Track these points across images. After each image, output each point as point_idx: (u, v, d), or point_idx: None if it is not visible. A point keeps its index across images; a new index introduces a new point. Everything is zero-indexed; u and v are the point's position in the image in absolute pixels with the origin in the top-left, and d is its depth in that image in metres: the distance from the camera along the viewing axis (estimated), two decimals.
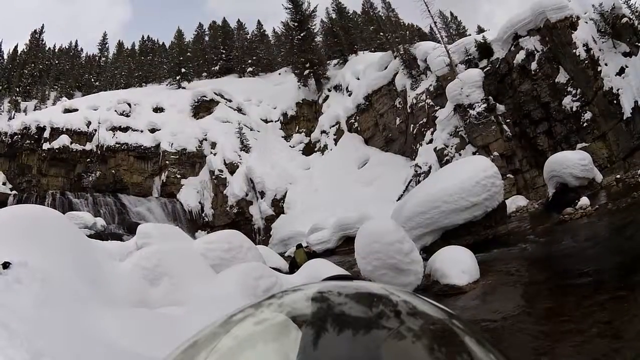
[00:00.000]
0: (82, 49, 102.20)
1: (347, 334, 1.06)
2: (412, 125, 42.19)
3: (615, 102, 26.39)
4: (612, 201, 17.18)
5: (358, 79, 55.09)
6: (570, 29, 29.30)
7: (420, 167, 36.73)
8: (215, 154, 52.74)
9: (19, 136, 50.62)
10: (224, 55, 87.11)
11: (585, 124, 28.30)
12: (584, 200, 17.51)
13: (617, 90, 26.32)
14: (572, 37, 28.95)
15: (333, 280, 1.52)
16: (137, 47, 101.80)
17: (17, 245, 6.35)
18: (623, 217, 14.07)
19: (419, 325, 1.09)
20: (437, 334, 1.08)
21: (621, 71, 26.63)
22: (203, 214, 51.13)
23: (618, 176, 22.55)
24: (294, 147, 58.67)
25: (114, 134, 54.25)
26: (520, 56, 32.28)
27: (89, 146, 52.59)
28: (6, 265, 5.58)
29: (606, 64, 27.39)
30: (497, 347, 1.04)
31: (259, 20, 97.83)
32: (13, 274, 5.57)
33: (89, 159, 51.97)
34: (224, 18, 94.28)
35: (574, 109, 28.82)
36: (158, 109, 60.12)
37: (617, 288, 7.70)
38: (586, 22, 28.85)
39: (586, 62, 28.15)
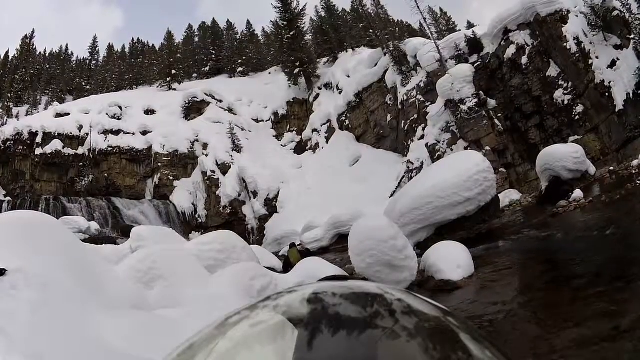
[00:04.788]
0: (72, 53, 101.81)
1: (342, 334, 1.06)
2: (403, 121, 42.20)
3: (607, 94, 26.43)
4: (606, 193, 17.23)
5: (348, 76, 55.04)
6: (561, 23, 29.35)
7: (413, 163, 36.74)
8: (207, 155, 52.64)
9: (12, 142, 50.33)
10: (214, 56, 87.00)
11: (577, 117, 28.39)
12: (578, 193, 17.60)
13: (609, 82, 26.36)
14: (562, 31, 29.00)
15: (329, 280, 1.53)
16: (127, 50, 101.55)
17: (12, 252, 6.34)
18: (617, 208, 14.12)
19: (413, 323, 1.10)
20: (432, 331, 1.09)
21: (612, 64, 26.67)
22: (196, 216, 51.02)
23: (611, 168, 22.56)
24: (285, 146, 58.68)
25: (106, 137, 54.04)
26: (511, 51, 32.36)
27: (81, 150, 52.43)
28: (2, 272, 5.57)
29: (597, 57, 27.42)
30: (493, 343, 1.05)
31: (248, 20, 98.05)
32: (9, 280, 5.56)
33: (81, 163, 51.85)
34: (214, 19, 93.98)
35: (566, 102, 28.90)
36: (149, 111, 59.89)
37: (613, 280, 7.71)
38: (576, 16, 28.86)
39: (577, 55, 28.20)
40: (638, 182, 16.80)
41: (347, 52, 62.93)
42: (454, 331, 1.08)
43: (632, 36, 25.67)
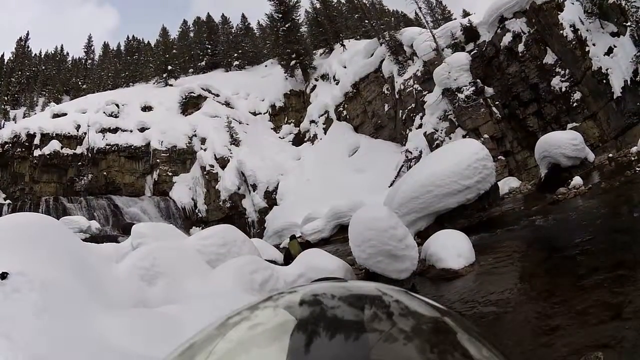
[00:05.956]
0: (67, 53, 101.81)
1: (340, 336, 1.07)
2: (400, 111, 42.24)
3: (604, 81, 26.41)
4: (606, 180, 17.22)
5: (345, 67, 55.01)
6: (557, 10, 29.30)
7: (411, 152, 36.84)
8: (205, 150, 52.68)
9: (10, 145, 50.21)
10: (209, 51, 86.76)
11: (575, 104, 28.41)
12: (577, 180, 17.56)
13: (606, 70, 26.32)
14: (558, 18, 28.96)
15: (328, 281, 1.53)
16: (122, 48, 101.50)
17: (14, 254, 6.33)
18: (617, 195, 14.10)
19: (411, 325, 1.10)
20: (429, 332, 1.10)
21: (609, 51, 26.62)
22: (196, 210, 51.13)
23: (610, 155, 22.54)
24: (283, 138, 58.74)
25: (104, 136, 53.98)
26: (507, 38, 32.36)
27: (79, 150, 52.24)
28: (4, 275, 5.57)
29: (594, 44, 27.36)
30: (491, 342, 1.05)
31: (243, 14, 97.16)
32: (11, 283, 5.56)
33: (80, 163, 51.71)
34: (208, 14, 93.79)
35: (563, 89, 28.92)
36: (146, 108, 59.79)
37: (615, 267, 7.68)
38: (572, 3, 28.72)
39: (574, 42, 28.16)
40: (637, 168, 16.82)
41: (343, 43, 62.80)
42: (452, 331, 1.09)
43: (629, 23, 25.57)
